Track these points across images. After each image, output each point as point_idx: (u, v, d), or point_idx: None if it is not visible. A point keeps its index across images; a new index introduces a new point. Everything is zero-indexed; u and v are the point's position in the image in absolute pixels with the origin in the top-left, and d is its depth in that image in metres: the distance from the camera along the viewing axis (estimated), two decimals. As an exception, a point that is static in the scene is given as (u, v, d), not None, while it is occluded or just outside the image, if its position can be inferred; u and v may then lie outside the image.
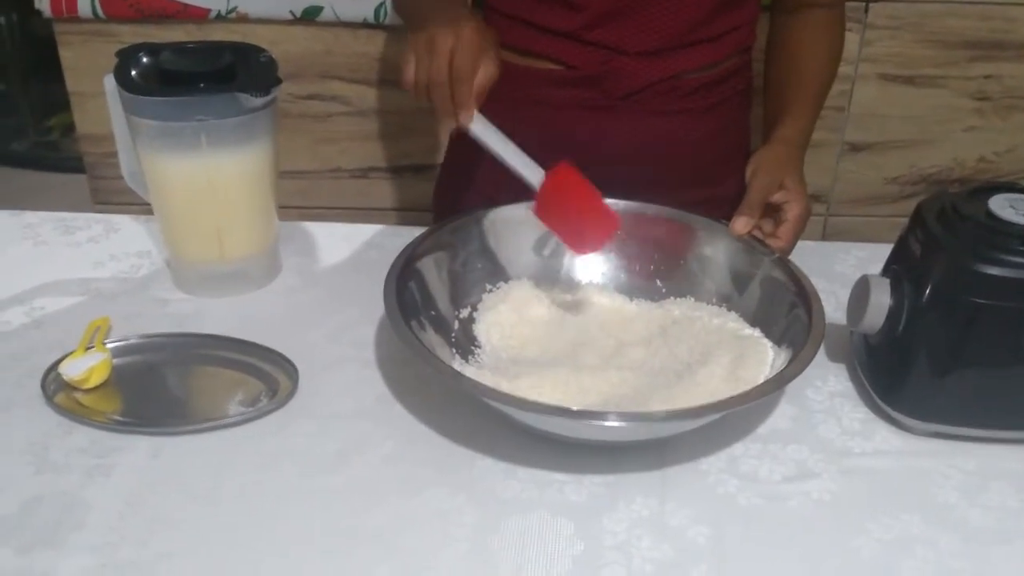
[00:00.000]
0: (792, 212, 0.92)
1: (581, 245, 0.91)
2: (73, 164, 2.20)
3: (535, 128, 1.09)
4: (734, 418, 0.80)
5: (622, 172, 1.04)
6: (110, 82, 0.90)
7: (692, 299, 0.93)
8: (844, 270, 1.06)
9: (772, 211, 0.93)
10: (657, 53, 1.03)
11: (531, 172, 0.88)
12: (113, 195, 1.68)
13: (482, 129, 0.87)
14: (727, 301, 0.92)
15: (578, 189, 0.88)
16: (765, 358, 0.82)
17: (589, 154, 1.08)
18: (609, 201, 0.96)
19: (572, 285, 0.96)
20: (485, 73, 0.85)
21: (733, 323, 0.89)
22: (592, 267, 0.97)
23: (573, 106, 1.07)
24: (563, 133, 1.08)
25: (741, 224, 0.91)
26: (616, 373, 0.84)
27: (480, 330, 0.90)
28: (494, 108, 1.11)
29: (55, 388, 0.82)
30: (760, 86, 1.13)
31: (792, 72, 1.07)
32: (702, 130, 1.09)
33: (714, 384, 0.80)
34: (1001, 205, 0.78)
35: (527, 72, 1.07)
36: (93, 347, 0.86)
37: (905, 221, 0.84)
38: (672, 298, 0.94)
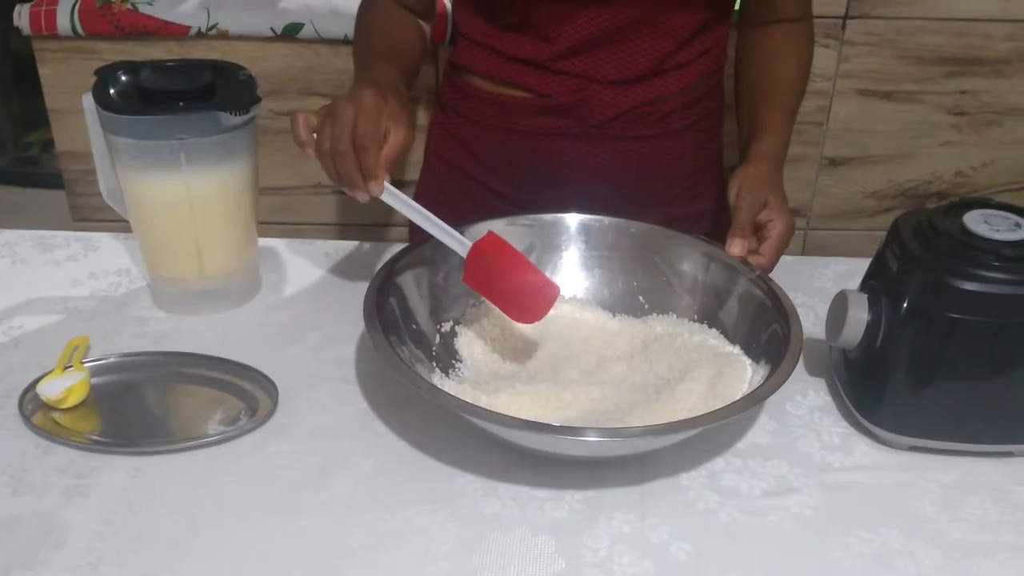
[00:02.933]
0: (775, 230, 0.92)
1: (519, 316, 0.88)
2: (53, 180, 2.18)
3: (509, 154, 1.09)
4: (714, 433, 0.81)
5: (597, 194, 1.04)
6: (88, 100, 0.90)
7: (674, 315, 0.94)
8: (823, 284, 1.07)
9: (755, 229, 0.94)
10: (631, 81, 1.03)
11: (456, 243, 0.86)
12: (93, 212, 1.67)
13: (394, 200, 0.84)
14: (707, 317, 0.92)
15: (508, 261, 0.86)
16: (743, 375, 0.83)
17: (564, 179, 1.08)
18: (594, 216, 0.97)
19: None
20: (394, 140, 0.82)
21: (714, 340, 0.89)
22: (575, 283, 0.97)
23: (547, 134, 1.06)
24: (537, 160, 1.08)
25: (737, 247, 0.91)
26: (597, 388, 0.84)
27: (462, 344, 0.90)
28: (468, 132, 1.11)
29: (33, 408, 0.82)
30: (730, 102, 1.14)
31: (764, 87, 1.07)
32: (676, 151, 1.09)
33: (692, 400, 0.80)
34: (976, 221, 0.79)
35: (500, 100, 1.07)
36: (71, 366, 0.85)
37: (883, 235, 0.85)
38: (655, 314, 0.95)
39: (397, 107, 0.84)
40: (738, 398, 0.78)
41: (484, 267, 0.86)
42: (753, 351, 0.86)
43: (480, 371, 0.87)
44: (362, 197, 0.83)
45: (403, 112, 0.84)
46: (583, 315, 0.95)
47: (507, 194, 1.11)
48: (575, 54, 1.01)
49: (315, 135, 0.83)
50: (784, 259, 0.95)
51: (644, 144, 1.07)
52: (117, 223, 1.01)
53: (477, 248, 0.86)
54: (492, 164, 1.11)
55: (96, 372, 0.86)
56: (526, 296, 0.87)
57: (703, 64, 1.06)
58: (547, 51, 1.01)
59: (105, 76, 0.90)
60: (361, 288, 0.84)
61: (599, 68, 1.02)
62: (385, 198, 0.83)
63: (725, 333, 0.90)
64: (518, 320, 0.88)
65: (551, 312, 0.94)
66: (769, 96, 1.06)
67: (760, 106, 1.05)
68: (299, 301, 1.01)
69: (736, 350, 0.87)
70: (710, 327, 0.91)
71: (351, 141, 0.80)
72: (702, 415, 0.73)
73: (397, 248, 0.92)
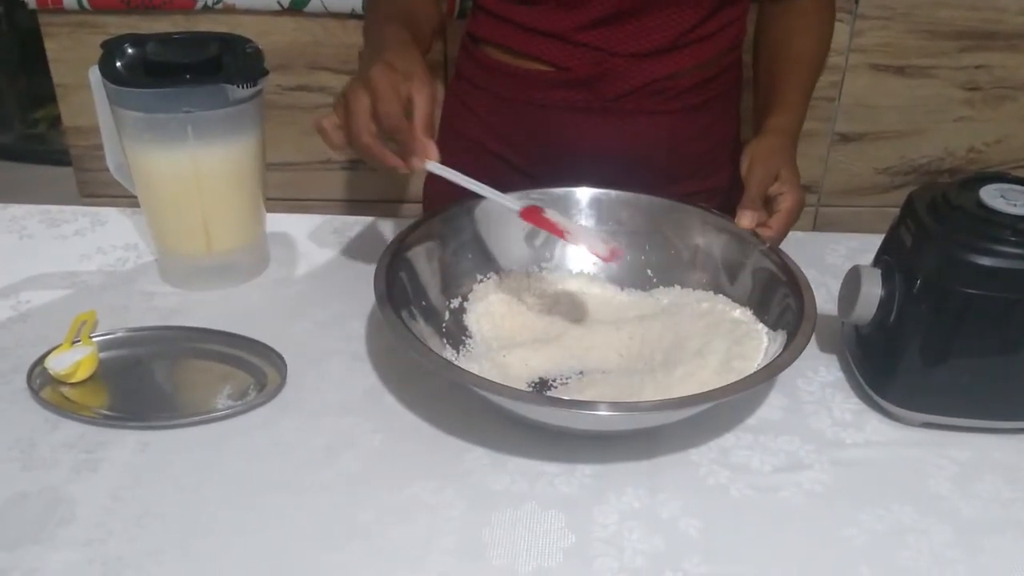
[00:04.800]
0: (785, 203, 0.92)
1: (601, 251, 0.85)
2: (60, 157, 2.18)
3: (524, 127, 1.09)
4: (725, 409, 0.80)
5: (612, 169, 1.03)
6: (95, 74, 0.90)
7: (678, 287, 0.93)
8: (835, 260, 1.06)
9: (766, 202, 0.93)
10: (651, 55, 1.02)
11: (511, 202, 0.84)
12: (100, 188, 1.67)
13: (440, 170, 0.82)
14: (719, 291, 0.92)
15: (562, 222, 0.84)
16: (760, 346, 0.82)
17: (578, 153, 1.07)
18: (604, 190, 0.96)
19: (563, 275, 0.96)
20: (421, 103, 0.79)
21: (723, 306, 0.89)
22: (583, 257, 0.96)
23: (565, 107, 1.06)
24: (554, 133, 1.07)
25: (747, 219, 0.90)
26: (611, 351, 0.86)
27: (471, 320, 0.89)
28: (484, 104, 1.10)
29: (41, 382, 0.81)
30: (749, 76, 1.13)
31: (782, 61, 1.06)
32: (693, 126, 1.09)
33: (706, 375, 0.80)
34: (992, 195, 0.78)
35: (517, 72, 1.06)
36: (79, 341, 0.85)
37: (896, 211, 0.84)
38: (661, 287, 0.94)
39: (408, 66, 0.81)
40: (752, 371, 0.77)
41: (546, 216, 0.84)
42: (765, 323, 0.85)
43: (490, 346, 0.87)
44: (413, 168, 0.80)
45: (416, 67, 0.81)
46: (591, 289, 0.95)
47: (521, 166, 1.10)
48: (595, 26, 1.00)
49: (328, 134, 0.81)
50: (796, 235, 0.94)
51: (659, 119, 1.06)
52: (125, 198, 1.01)
53: (527, 214, 0.84)
54: (507, 136, 1.10)
55: (104, 347, 0.86)
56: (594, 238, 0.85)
57: (722, 39, 1.05)
58: (567, 22, 1.00)
59: (112, 49, 0.89)
60: (370, 264, 0.83)
61: (619, 41, 1.01)
62: (434, 168, 0.81)
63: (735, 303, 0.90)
64: (601, 256, 0.84)
65: (558, 287, 0.94)
66: (787, 71, 1.05)
67: (777, 80, 1.05)
68: (307, 277, 1.00)
69: (748, 315, 0.87)
70: (716, 294, 0.91)
71: (367, 131, 0.78)
72: (713, 390, 0.72)
73: (406, 223, 0.91)
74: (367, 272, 0.82)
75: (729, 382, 0.74)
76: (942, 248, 0.76)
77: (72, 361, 0.82)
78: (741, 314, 0.87)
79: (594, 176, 0.98)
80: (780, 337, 0.81)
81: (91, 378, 0.83)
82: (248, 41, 0.93)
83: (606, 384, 0.82)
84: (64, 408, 0.79)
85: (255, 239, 1.00)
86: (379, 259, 0.84)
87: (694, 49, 1.03)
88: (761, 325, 0.85)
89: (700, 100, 1.07)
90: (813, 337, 0.79)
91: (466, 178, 0.83)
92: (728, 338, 0.83)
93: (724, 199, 1.11)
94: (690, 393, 0.74)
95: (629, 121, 1.06)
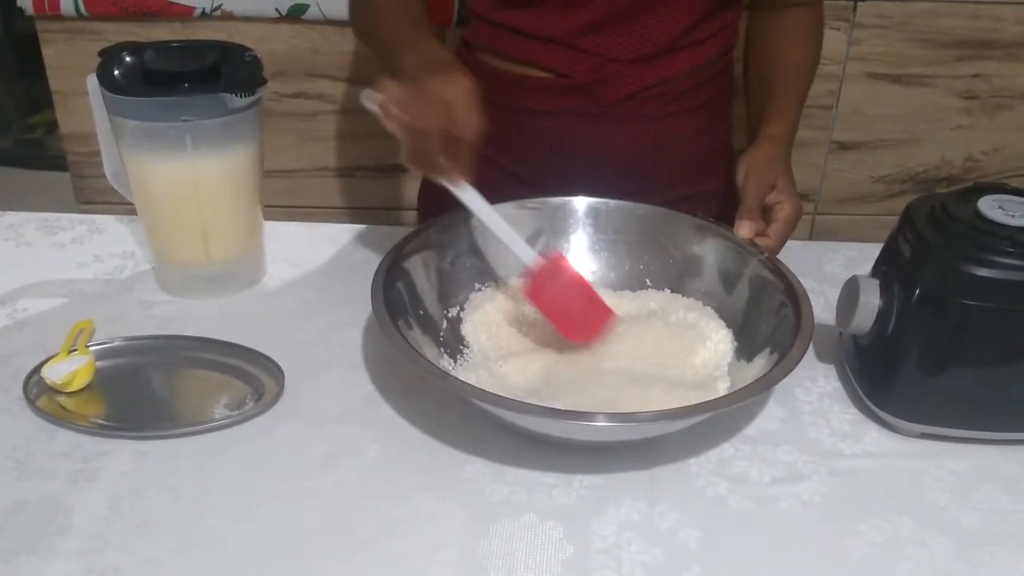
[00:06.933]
0: (783, 212, 0.92)
1: (577, 332, 0.87)
2: (57, 162, 2.17)
3: (521, 133, 1.09)
4: (723, 419, 0.80)
5: (609, 173, 1.03)
6: (93, 82, 0.89)
7: (668, 292, 0.94)
8: (833, 270, 1.06)
9: (763, 211, 0.93)
10: (648, 59, 1.02)
11: (525, 252, 0.87)
12: (97, 194, 1.67)
13: (472, 199, 0.85)
14: (715, 300, 0.92)
15: (576, 277, 0.89)
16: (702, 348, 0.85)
17: (575, 158, 1.07)
18: (601, 199, 0.96)
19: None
20: (480, 130, 0.81)
21: (706, 319, 0.90)
22: (582, 267, 0.96)
23: (562, 113, 1.06)
24: (551, 139, 1.07)
25: (745, 229, 0.91)
26: (606, 359, 0.85)
27: (468, 330, 0.89)
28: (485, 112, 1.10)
29: (38, 392, 0.81)
30: (740, 85, 1.13)
31: (775, 70, 1.07)
32: (688, 130, 1.09)
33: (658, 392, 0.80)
34: (990, 206, 0.78)
35: (515, 79, 1.06)
36: (76, 350, 0.85)
37: (893, 220, 0.84)
38: (650, 289, 0.95)
39: (479, 93, 0.82)
40: (699, 366, 0.78)
41: (549, 281, 0.87)
42: (761, 334, 0.85)
43: (487, 356, 0.87)
44: (464, 180, 0.82)
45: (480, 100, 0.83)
46: None
47: (518, 173, 1.10)
48: (593, 31, 1.00)
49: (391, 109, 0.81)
50: (793, 244, 0.94)
51: (656, 124, 1.06)
52: (122, 206, 1.01)
53: (547, 263, 0.87)
54: (504, 143, 1.10)
55: (101, 356, 0.85)
56: (584, 315, 0.87)
57: (716, 43, 1.06)
58: (566, 27, 1.01)
59: (110, 57, 0.89)
60: (368, 272, 0.83)
61: (617, 45, 1.01)
62: (467, 194, 0.84)
63: (733, 315, 0.90)
64: (570, 336, 0.87)
65: None
66: (779, 80, 1.06)
67: (770, 90, 1.05)
68: (305, 285, 1.00)
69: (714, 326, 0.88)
70: (718, 310, 0.91)
71: (439, 126, 0.78)
72: (711, 400, 0.73)
73: (403, 232, 0.91)
74: (365, 280, 0.82)
75: (720, 394, 0.74)
76: (940, 259, 0.76)
77: (69, 370, 0.81)
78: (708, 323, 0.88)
79: (590, 180, 0.98)
80: (769, 356, 0.81)
81: (88, 387, 0.82)
82: (247, 49, 0.93)
83: (602, 394, 0.82)
84: (61, 418, 0.79)
85: (253, 247, 1.00)
86: (377, 268, 0.84)
87: (690, 52, 1.04)
88: (717, 332, 0.87)
89: (695, 103, 1.08)
90: (811, 348, 0.79)
91: (492, 214, 0.86)
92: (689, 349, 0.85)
93: (720, 202, 1.12)
94: (684, 404, 0.74)
95: (626, 126, 1.06)
